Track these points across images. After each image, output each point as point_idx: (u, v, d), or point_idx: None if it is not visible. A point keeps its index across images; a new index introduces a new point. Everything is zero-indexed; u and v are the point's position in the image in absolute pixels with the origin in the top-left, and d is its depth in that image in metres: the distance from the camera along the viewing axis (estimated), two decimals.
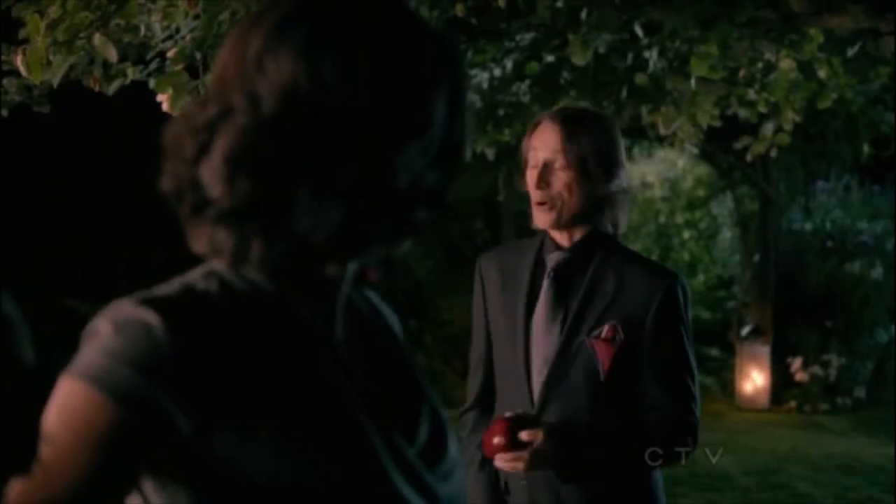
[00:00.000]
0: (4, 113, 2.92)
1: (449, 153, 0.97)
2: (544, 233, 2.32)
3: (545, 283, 2.28)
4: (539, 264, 2.31)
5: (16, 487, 0.82)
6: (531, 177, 2.23)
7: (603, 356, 2.20)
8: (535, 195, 2.23)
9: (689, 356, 2.27)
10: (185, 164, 0.91)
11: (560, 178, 2.20)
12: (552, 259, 2.28)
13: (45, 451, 0.83)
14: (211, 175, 0.90)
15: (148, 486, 0.90)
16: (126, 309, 0.88)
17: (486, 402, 2.38)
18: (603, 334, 2.21)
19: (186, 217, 0.93)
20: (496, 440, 2.12)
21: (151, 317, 0.87)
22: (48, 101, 3.00)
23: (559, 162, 2.20)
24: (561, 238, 2.29)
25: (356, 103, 0.89)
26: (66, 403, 0.86)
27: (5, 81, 2.90)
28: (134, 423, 0.85)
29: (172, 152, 0.92)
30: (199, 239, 0.93)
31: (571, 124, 2.22)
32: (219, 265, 0.95)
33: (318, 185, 0.90)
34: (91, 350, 0.87)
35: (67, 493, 0.84)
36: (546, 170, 2.20)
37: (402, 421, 1.00)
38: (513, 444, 2.10)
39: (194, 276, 0.95)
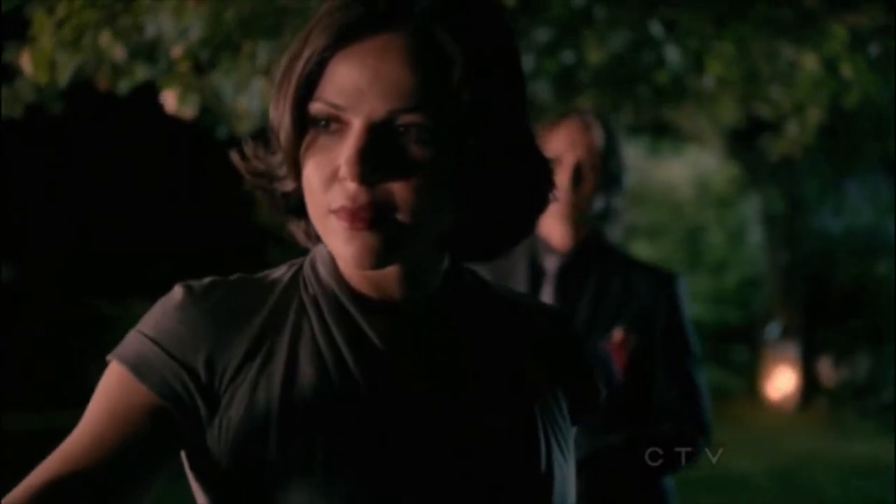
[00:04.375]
0: (15, 112, 2.93)
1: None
2: (535, 235, 2.29)
3: (548, 289, 2.24)
4: (535, 268, 2.26)
5: (48, 463, 0.81)
6: (564, 177, 2.17)
7: (618, 360, 2.18)
8: (565, 196, 2.17)
9: (697, 355, 2.25)
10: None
11: (590, 179, 2.19)
12: (552, 262, 2.25)
13: (81, 426, 0.85)
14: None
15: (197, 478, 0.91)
16: (173, 290, 0.92)
17: None
18: (616, 338, 2.19)
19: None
20: None
21: (178, 291, 0.91)
22: (60, 101, 3.01)
23: (590, 163, 2.19)
24: (560, 241, 2.25)
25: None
26: (101, 381, 0.89)
27: (19, 81, 2.91)
28: (151, 390, 0.86)
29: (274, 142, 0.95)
30: (297, 229, 0.97)
31: (596, 126, 2.21)
32: (312, 256, 0.97)
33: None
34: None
35: (89, 465, 0.81)
36: (580, 169, 2.19)
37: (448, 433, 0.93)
38: None
39: (283, 266, 0.98)
